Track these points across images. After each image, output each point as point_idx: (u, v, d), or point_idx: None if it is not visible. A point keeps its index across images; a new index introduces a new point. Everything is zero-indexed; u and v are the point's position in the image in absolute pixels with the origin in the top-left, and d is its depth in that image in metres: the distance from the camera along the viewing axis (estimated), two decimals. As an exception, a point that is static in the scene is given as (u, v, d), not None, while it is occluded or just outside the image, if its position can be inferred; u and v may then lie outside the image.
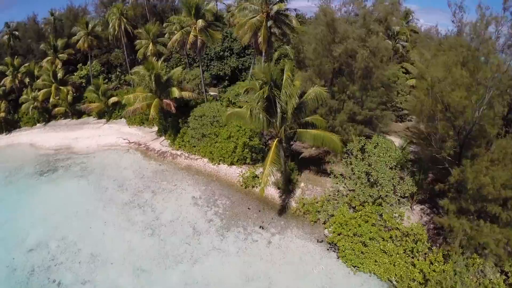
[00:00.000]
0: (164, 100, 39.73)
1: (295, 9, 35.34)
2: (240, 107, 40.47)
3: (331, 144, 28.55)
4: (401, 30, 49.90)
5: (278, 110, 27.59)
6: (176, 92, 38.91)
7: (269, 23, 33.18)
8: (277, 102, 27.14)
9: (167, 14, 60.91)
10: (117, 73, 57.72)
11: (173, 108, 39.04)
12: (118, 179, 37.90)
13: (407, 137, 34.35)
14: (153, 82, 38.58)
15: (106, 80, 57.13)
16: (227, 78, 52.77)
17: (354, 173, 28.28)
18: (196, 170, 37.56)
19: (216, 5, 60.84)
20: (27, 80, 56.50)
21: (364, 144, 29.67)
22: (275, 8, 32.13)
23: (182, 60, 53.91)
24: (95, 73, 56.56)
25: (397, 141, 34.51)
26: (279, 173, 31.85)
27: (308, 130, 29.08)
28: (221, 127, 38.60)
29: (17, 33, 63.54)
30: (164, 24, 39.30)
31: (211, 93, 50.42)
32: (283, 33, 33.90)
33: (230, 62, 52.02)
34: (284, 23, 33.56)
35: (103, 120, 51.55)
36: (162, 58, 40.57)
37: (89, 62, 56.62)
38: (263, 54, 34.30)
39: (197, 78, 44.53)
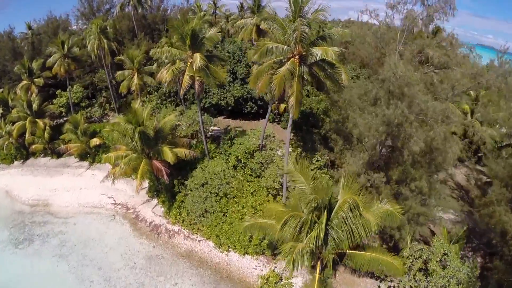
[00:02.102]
0: (154, 162, 26.94)
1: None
2: (252, 169, 28.05)
3: (390, 269, 16.99)
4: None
5: (328, 237, 15.58)
6: (169, 155, 25.86)
7: (302, 68, 19.38)
8: (328, 232, 15.00)
9: (159, 26, 45.76)
10: (102, 99, 43.54)
11: (165, 176, 26.45)
12: (104, 267, 26.01)
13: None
14: (138, 141, 25.67)
15: (89, 108, 43.29)
16: (229, 108, 39.37)
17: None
18: (200, 259, 25.65)
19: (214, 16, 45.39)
20: (0, 110, 42.59)
21: (427, 258, 18.32)
22: (319, 53, 17.39)
23: (174, 95, 39.66)
24: (76, 100, 42.50)
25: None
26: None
27: (362, 252, 17.22)
28: (231, 198, 26.42)
29: (-12, 51, 48.28)
30: (151, 52, 25.78)
31: (213, 128, 37.30)
32: (318, 81, 20.23)
33: (233, 90, 38.26)
34: (326, 74, 19.22)
35: (86, 164, 38.38)
36: (148, 108, 26.98)
37: (69, 88, 42.47)
38: (290, 117, 20.58)
39: (195, 122, 31.19)
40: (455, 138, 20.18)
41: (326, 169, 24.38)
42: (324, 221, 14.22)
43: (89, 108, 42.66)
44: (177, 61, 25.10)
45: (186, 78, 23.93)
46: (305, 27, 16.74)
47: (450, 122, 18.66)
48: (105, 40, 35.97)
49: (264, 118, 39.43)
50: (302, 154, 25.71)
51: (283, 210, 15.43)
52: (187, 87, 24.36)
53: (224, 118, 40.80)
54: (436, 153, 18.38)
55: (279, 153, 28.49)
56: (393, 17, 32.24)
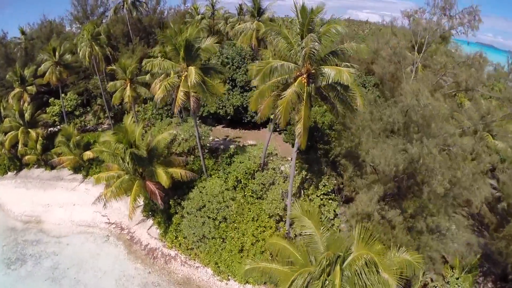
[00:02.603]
0: (148, 184, 24.29)
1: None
2: (253, 190, 25.42)
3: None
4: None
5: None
6: (163, 178, 23.13)
7: (311, 88, 16.39)
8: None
9: (155, 29, 42.47)
10: (96, 107, 40.60)
11: (159, 201, 23.89)
12: (97, 295, 23.92)
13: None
14: (130, 162, 23.03)
15: (84, 116, 40.49)
16: (228, 118, 36.53)
17: None
18: (198, 288, 23.41)
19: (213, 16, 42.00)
20: (-8, 120, 39.84)
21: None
22: (331, 75, 14.39)
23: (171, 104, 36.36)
24: (69, 109, 39.64)
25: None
26: None
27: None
28: (231, 222, 23.86)
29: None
30: (143, 62, 23.01)
31: (211, 138, 34.54)
32: (328, 102, 17.19)
33: (232, 99, 35.38)
34: (339, 97, 16.09)
35: (79, 177, 35.71)
36: (141, 125, 24.17)
37: (62, 96, 39.61)
38: (295, 146, 17.71)
39: (192, 137, 28.39)
40: (484, 179, 17.34)
41: (333, 194, 21.75)
42: (337, 282, 11.67)
43: (83, 117, 39.86)
44: (172, 72, 22.24)
45: (180, 94, 21.05)
46: (316, 43, 13.88)
47: (481, 162, 15.98)
48: (97, 48, 32.93)
49: (265, 127, 36.76)
50: (307, 177, 23.01)
51: (287, 272, 12.84)
52: (181, 104, 21.54)
53: (223, 127, 37.99)
54: (460, 191, 15.71)
55: (282, 169, 25.85)
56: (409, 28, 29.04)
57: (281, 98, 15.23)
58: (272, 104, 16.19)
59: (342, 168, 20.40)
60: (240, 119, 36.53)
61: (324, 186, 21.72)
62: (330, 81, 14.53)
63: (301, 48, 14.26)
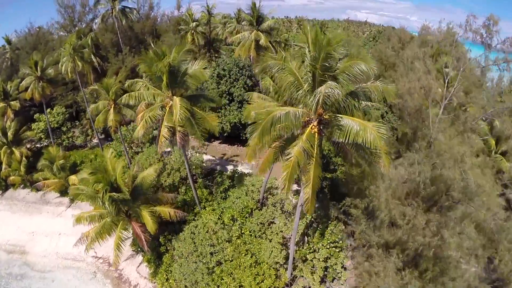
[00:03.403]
0: (134, 225, 20.66)
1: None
2: (251, 230, 21.62)
3: None
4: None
5: None
6: (149, 223, 19.35)
7: (323, 140, 12.26)
8: None
9: (147, 37, 37.96)
10: (86, 122, 36.41)
11: (145, 247, 20.15)
12: None
13: None
14: (110, 206, 19.24)
15: (72, 132, 36.46)
16: (225, 134, 32.56)
17: None
18: None
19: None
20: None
21: None
22: (353, 130, 10.36)
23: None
24: (55, 125, 35.63)
25: None
26: None
27: None
28: (226, 267, 20.24)
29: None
30: (127, 83, 19.01)
31: (206, 158, 30.63)
32: (346, 154, 13.03)
33: (229, 115, 31.31)
34: (358, 153, 12.11)
35: (66, 200, 31.71)
36: (121, 165, 19.99)
37: (46, 113, 35.53)
38: (299, 205, 13.87)
39: (183, 167, 24.42)
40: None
41: (341, 241, 17.98)
42: None
43: (71, 133, 35.87)
44: (156, 100, 18.15)
45: (164, 130, 17.01)
46: (335, 90, 9.86)
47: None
48: (80, 63, 28.70)
49: None
50: (312, 222, 19.19)
51: None
52: (166, 141, 17.59)
53: (220, 143, 34.10)
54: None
55: (285, 203, 22.01)
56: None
57: (286, 158, 11.24)
58: (272, 158, 12.27)
59: (353, 219, 16.63)
60: (237, 135, 32.61)
61: (331, 233, 17.95)
62: (349, 138, 10.54)
63: (314, 96, 10.28)
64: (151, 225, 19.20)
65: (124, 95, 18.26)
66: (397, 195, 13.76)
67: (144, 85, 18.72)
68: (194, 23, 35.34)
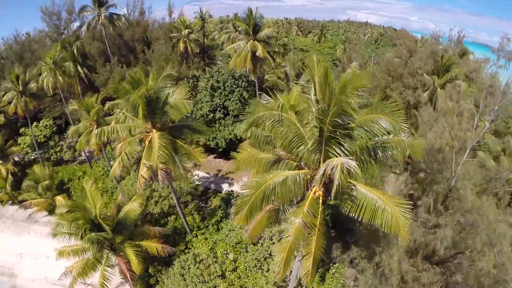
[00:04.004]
0: (119, 261, 18.25)
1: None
2: (245, 265, 19.21)
3: None
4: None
5: None
6: (134, 262, 16.97)
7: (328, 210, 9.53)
8: None
9: (138, 46, 34.77)
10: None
11: (131, 285, 17.95)
12: None
13: None
14: (91, 246, 16.89)
15: (60, 146, 33.78)
16: (220, 150, 29.90)
17: None
18: None
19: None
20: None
21: None
22: (370, 204, 7.75)
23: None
24: (42, 139, 32.97)
25: None
26: None
27: None
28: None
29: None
30: (107, 105, 16.56)
31: (199, 175, 28.07)
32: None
33: (224, 131, 28.61)
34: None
35: (54, 220, 29.77)
36: (100, 201, 17.40)
37: (35, 124, 32.89)
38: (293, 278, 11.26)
39: (171, 196, 21.65)
40: None
41: (343, 280, 15.60)
42: None
43: (59, 147, 33.25)
44: (134, 133, 15.51)
45: (143, 170, 14.45)
46: (351, 165, 7.23)
47: None
48: (60, 78, 25.88)
49: None
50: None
51: None
52: (146, 181, 15.03)
53: (215, 157, 31.45)
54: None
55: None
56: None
57: (280, 237, 8.72)
58: (266, 222, 9.74)
59: (360, 272, 14.20)
60: (234, 149, 29.89)
61: (332, 277, 15.56)
62: (364, 217, 7.98)
63: (323, 172, 7.63)
64: (136, 265, 16.80)
65: (95, 131, 15.53)
66: (411, 255, 11.33)
67: (122, 113, 15.98)
68: (187, 30, 32.15)
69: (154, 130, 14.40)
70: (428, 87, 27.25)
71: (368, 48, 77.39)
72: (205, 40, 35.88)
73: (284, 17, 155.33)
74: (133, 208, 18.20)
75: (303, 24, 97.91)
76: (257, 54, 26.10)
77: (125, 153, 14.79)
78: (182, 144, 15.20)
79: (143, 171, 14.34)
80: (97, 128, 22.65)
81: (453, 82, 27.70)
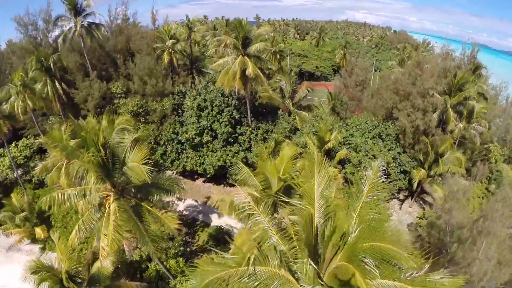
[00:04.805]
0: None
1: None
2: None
3: None
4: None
5: None
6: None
7: None
8: None
9: (121, 57, 31.11)
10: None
11: None
12: None
13: None
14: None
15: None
16: (208, 176, 26.91)
17: None
18: None
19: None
20: None
21: None
22: None
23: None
24: (22, 161, 30.08)
25: None
26: None
27: None
28: None
29: None
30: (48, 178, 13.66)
31: (185, 204, 25.21)
32: None
33: (211, 157, 25.51)
34: None
35: (37, 249, 26.87)
36: (69, 263, 14.74)
37: (13, 144, 29.93)
38: None
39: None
40: None
41: None
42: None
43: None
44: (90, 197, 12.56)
45: (103, 243, 11.66)
46: None
47: None
48: (30, 102, 22.71)
49: None
50: None
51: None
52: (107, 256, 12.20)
53: (204, 181, 28.57)
54: None
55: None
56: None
57: None
58: None
59: None
60: (224, 174, 27.03)
61: None
62: None
63: None
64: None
65: (42, 198, 12.56)
66: None
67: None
68: (171, 41, 28.51)
69: (113, 194, 11.42)
70: (439, 108, 24.02)
71: (368, 53, 73.12)
72: (193, 49, 32.13)
73: (282, 18, 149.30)
74: (105, 267, 15.50)
75: (301, 27, 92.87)
76: (247, 73, 22.68)
77: (82, 221, 11.86)
78: (149, 208, 12.25)
79: (104, 243, 11.48)
80: (68, 163, 19.75)
81: (467, 103, 24.41)
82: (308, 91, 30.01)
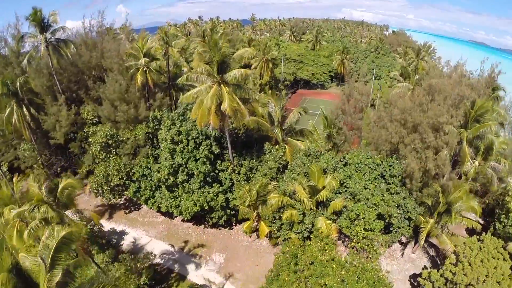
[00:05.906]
0: None
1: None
2: None
3: None
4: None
5: None
6: None
7: None
8: None
9: (91, 78, 26.89)
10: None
11: None
12: None
13: None
14: None
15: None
16: (186, 218, 22.97)
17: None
18: None
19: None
20: None
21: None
22: None
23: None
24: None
25: None
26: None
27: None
28: None
29: None
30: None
31: (160, 250, 21.60)
32: None
33: (187, 200, 21.48)
34: None
35: None
36: None
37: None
38: None
39: None
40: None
41: None
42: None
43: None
44: None
45: None
46: None
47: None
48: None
49: (240, 223, 22.88)
50: None
51: None
52: None
53: (183, 221, 24.80)
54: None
55: None
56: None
57: None
58: None
59: None
60: (203, 215, 23.09)
61: None
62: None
63: None
64: None
65: None
66: None
67: None
68: (144, 60, 23.97)
69: None
70: (452, 144, 19.20)
71: (367, 58, 66.28)
72: (171, 66, 27.45)
73: (278, 18, 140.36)
74: None
75: (297, 28, 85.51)
76: (222, 108, 18.22)
77: None
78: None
79: None
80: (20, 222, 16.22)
81: (485, 137, 19.47)
82: (300, 114, 25.35)
